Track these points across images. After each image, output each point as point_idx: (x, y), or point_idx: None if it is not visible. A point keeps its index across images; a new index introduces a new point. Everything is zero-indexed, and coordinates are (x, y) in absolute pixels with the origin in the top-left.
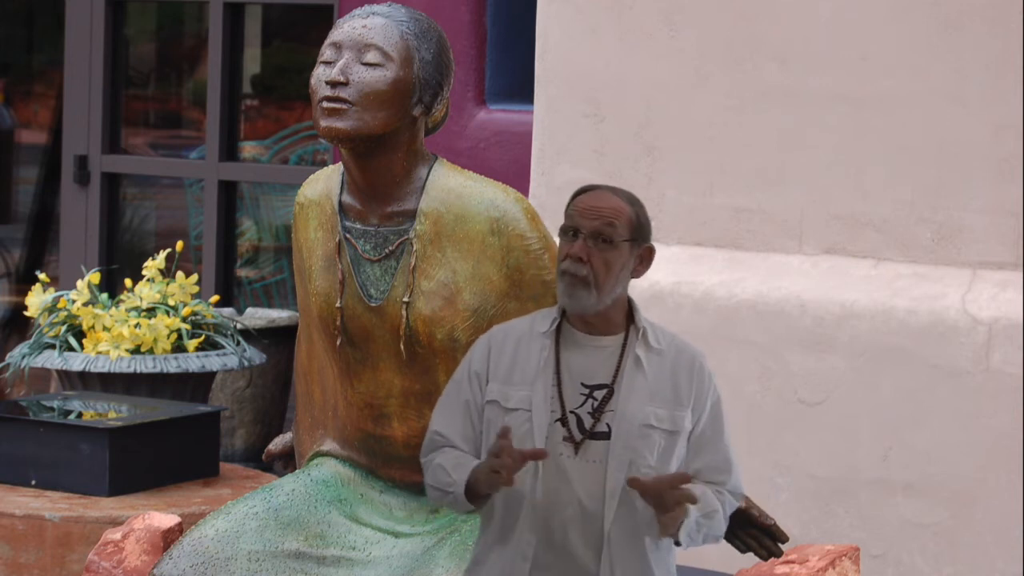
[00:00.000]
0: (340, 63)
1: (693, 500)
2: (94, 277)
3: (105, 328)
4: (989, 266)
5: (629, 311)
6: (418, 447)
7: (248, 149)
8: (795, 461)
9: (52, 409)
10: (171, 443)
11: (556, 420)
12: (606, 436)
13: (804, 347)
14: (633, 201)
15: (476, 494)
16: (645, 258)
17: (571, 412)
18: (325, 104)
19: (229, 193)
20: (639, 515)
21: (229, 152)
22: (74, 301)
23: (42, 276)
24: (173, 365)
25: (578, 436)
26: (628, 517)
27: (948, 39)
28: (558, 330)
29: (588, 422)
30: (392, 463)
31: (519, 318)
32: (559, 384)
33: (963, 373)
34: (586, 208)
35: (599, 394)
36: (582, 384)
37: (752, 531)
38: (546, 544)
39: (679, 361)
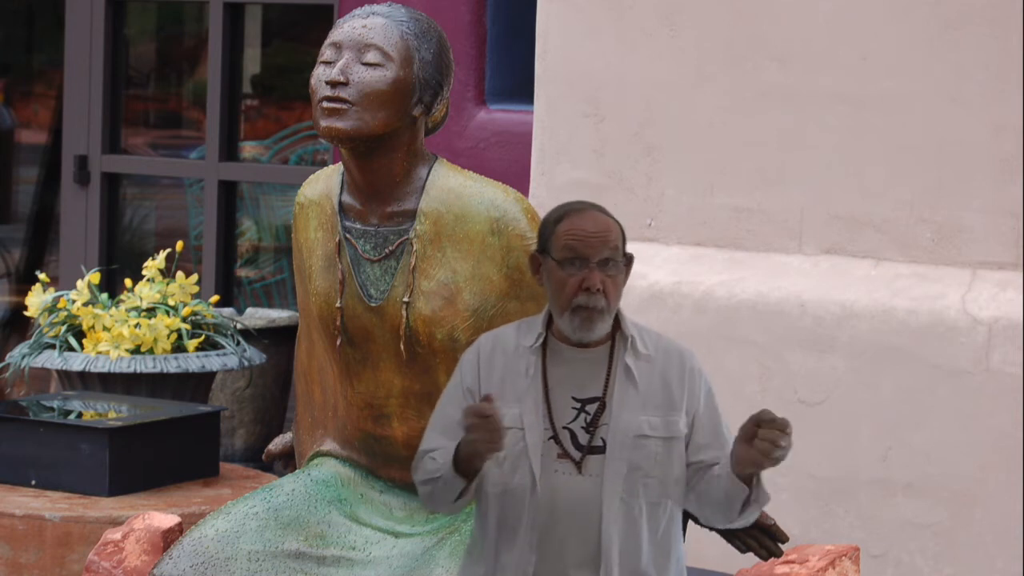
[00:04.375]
0: (340, 63)
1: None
2: (94, 277)
3: (105, 328)
4: (989, 266)
5: (614, 319)
6: (418, 447)
7: (248, 149)
8: (795, 461)
9: (52, 409)
10: (171, 443)
11: (549, 438)
12: (602, 450)
13: (804, 347)
14: (610, 213)
15: (464, 468)
16: (628, 267)
17: (564, 428)
18: (325, 104)
19: (229, 193)
20: (720, 488)
21: (229, 152)
22: (74, 301)
23: (42, 276)
24: (173, 365)
25: (576, 455)
26: (626, 531)
27: (948, 39)
28: (544, 344)
29: (583, 437)
30: (392, 463)
31: (506, 326)
32: (548, 401)
33: (963, 373)
34: (588, 235)
35: (591, 408)
36: (573, 399)
37: (752, 531)
38: (544, 560)
39: (668, 364)
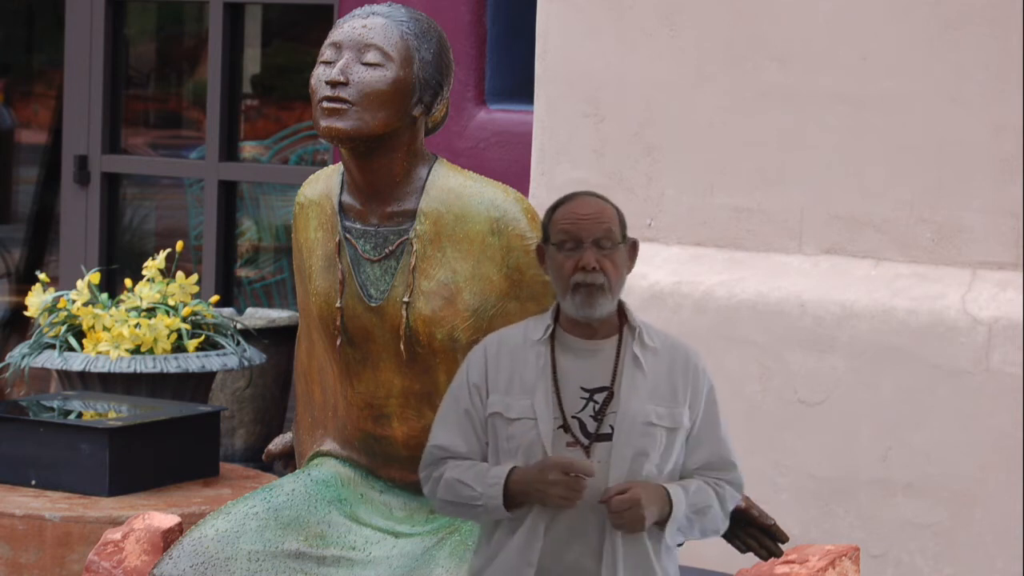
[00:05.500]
0: (340, 63)
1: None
2: (94, 277)
3: (105, 328)
4: (989, 266)
5: (621, 311)
6: (418, 447)
7: (248, 149)
8: (795, 461)
9: (52, 409)
10: (171, 443)
11: (559, 427)
12: (609, 438)
13: (804, 347)
14: (609, 200)
15: (517, 503)
16: (632, 252)
17: (573, 417)
18: (325, 104)
19: (229, 193)
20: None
21: (229, 152)
22: (74, 301)
23: (42, 276)
24: (173, 365)
25: (585, 440)
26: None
27: (948, 39)
28: (552, 337)
29: (591, 425)
30: (392, 463)
31: (511, 326)
32: (557, 391)
33: (963, 373)
34: (581, 217)
35: (600, 397)
36: (582, 388)
37: (752, 531)
38: (550, 547)
39: (674, 359)
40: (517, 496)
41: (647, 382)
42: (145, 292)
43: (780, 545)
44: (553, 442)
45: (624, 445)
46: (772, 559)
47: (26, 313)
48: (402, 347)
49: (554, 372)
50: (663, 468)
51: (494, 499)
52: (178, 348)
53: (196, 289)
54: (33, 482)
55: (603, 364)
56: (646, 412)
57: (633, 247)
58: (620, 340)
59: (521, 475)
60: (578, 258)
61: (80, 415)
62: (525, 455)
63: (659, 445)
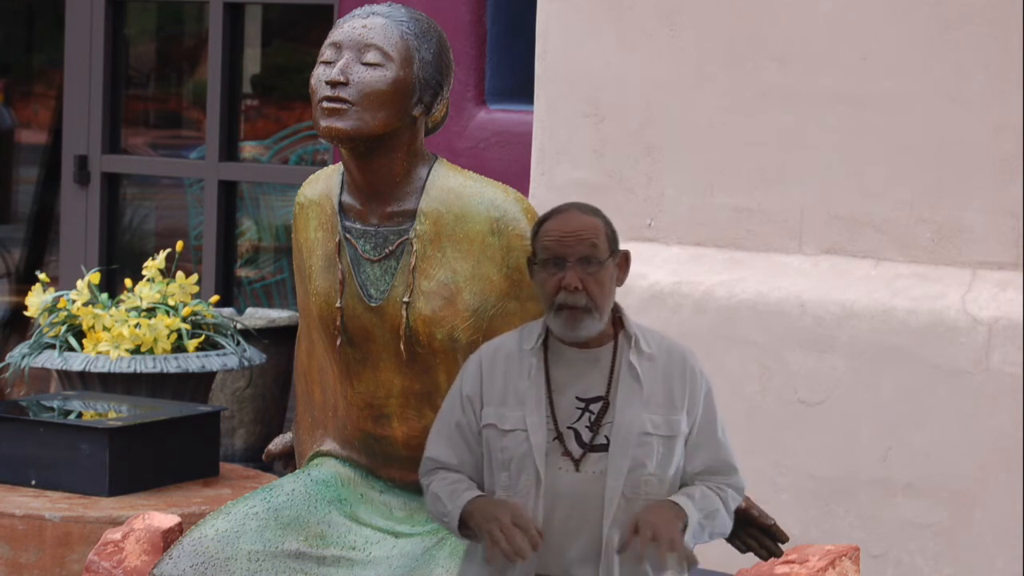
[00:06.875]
0: (340, 63)
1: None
2: (94, 277)
3: (105, 328)
4: (989, 266)
5: (616, 317)
6: (418, 447)
7: (248, 149)
8: (795, 461)
9: (52, 409)
10: (171, 443)
11: (553, 439)
12: (605, 448)
13: (804, 347)
14: (598, 213)
15: (469, 531)
16: (624, 265)
17: (568, 428)
18: (325, 104)
19: (229, 193)
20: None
21: (229, 152)
22: (74, 301)
23: (42, 276)
24: (173, 365)
25: (577, 452)
26: (626, 527)
27: (948, 39)
28: (546, 347)
29: (587, 436)
30: (392, 463)
31: (507, 333)
32: (551, 402)
33: (963, 373)
34: (564, 235)
35: (595, 407)
36: (577, 399)
37: (752, 531)
38: (547, 558)
39: (670, 364)
40: (470, 524)
41: (643, 391)
42: (145, 292)
43: (780, 545)
44: (547, 454)
45: (620, 456)
46: (772, 559)
47: (26, 313)
48: (402, 347)
49: (548, 383)
50: (663, 477)
51: (454, 520)
52: (178, 348)
53: (196, 289)
54: (33, 482)
55: (599, 373)
56: (642, 422)
57: (624, 259)
58: (616, 348)
59: (477, 507)
60: (560, 278)
61: (80, 415)
62: (518, 467)
63: (656, 454)
